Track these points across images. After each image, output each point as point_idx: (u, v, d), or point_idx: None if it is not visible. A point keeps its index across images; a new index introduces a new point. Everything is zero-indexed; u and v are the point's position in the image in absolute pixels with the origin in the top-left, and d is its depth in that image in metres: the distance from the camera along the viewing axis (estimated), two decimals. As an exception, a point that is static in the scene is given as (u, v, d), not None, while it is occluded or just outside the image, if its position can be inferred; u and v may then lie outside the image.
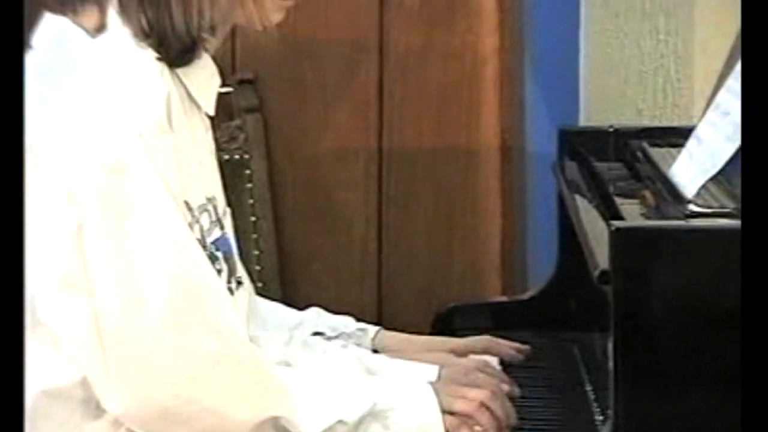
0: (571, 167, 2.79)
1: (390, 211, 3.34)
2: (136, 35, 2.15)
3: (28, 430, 2.12)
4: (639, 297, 2.02)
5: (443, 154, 3.33)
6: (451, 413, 2.20)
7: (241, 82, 3.29)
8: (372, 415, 2.14)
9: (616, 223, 2.05)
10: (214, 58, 2.27)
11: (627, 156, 2.72)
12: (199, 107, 2.24)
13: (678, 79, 3.24)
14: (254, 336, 2.38)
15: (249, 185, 3.29)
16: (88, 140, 2.06)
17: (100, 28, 2.18)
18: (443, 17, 3.35)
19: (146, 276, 2.04)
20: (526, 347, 2.59)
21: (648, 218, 2.26)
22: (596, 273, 2.07)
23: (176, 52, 2.17)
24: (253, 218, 3.29)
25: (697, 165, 2.28)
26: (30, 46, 2.24)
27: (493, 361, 2.52)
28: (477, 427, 2.19)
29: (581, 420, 2.28)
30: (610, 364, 2.03)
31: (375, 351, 2.55)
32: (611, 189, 2.46)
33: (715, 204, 2.16)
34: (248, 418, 2.08)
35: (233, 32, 2.28)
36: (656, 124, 3.02)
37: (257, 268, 3.23)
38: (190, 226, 2.12)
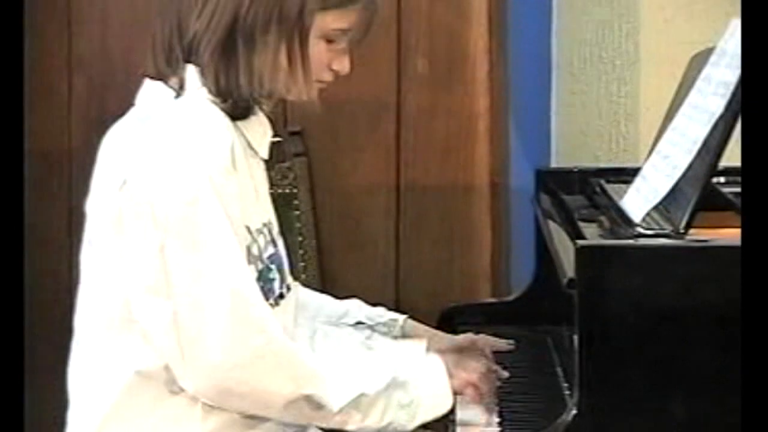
0: (545, 199, 2.79)
1: (405, 233, 3.33)
2: (210, 96, 2.16)
3: (126, 403, 2.14)
4: (598, 299, 2.03)
5: (446, 189, 3.32)
6: (459, 379, 2.18)
7: (291, 133, 3.28)
8: (394, 385, 2.11)
9: (580, 242, 2.06)
10: (269, 116, 2.26)
11: (588, 190, 2.72)
12: (256, 153, 2.24)
13: (627, 132, 3.24)
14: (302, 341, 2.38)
15: (297, 213, 3.29)
16: (170, 179, 2.07)
17: (183, 90, 2.19)
18: (446, 83, 3.34)
19: (210, 286, 2.05)
20: (511, 342, 2.58)
21: (604, 238, 2.25)
22: (565, 281, 2.09)
23: (239, 111, 2.18)
24: (300, 238, 3.29)
25: (642, 197, 2.28)
26: (132, 103, 2.26)
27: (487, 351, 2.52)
28: (478, 392, 2.18)
29: (553, 394, 2.29)
30: (576, 351, 2.04)
31: (403, 336, 2.55)
32: (576, 216, 2.46)
33: (656, 227, 2.17)
34: (283, 395, 2.08)
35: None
36: (610, 165, 3.01)
37: (303, 276, 3.21)
38: (250, 245, 2.13)
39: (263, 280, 2.16)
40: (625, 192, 2.38)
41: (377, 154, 3.36)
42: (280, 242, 2.26)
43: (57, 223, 3.42)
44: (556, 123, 3.41)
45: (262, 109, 2.22)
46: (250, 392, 2.08)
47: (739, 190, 2.44)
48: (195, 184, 2.06)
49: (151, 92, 2.24)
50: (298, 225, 3.28)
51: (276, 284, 2.19)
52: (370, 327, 2.53)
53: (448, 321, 2.79)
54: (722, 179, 2.33)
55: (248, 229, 2.14)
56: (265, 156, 2.26)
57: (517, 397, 2.33)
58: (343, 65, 2.21)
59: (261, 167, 2.27)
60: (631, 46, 3.27)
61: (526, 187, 3.02)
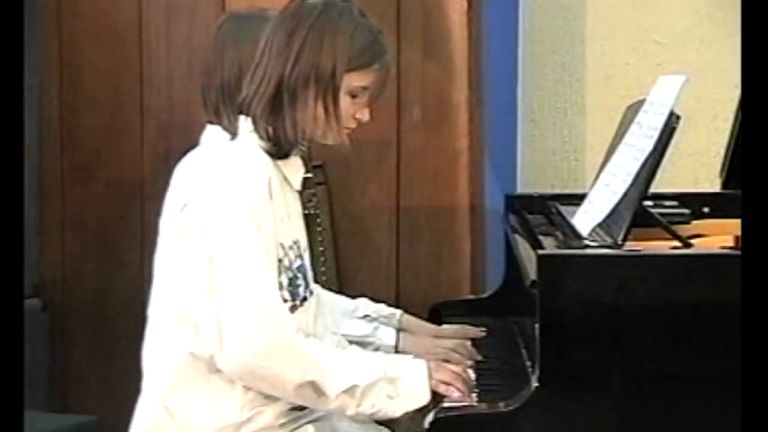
0: (513, 218, 2.79)
1: (404, 245, 3.34)
2: (258, 140, 2.16)
3: (182, 377, 2.15)
4: (554, 297, 2.03)
5: (436, 211, 3.32)
6: (437, 381, 2.15)
7: (315, 166, 3.28)
8: (384, 380, 2.10)
9: (540, 252, 2.07)
10: (303, 156, 2.26)
11: (546, 211, 2.71)
12: (291, 186, 2.24)
13: (576, 165, 3.24)
14: (314, 333, 2.36)
15: (319, 229, 3.28)
16: (219, 204, 2.08)
17: (236, 134, 2.20)
18: (436, 127, 3.34)
19: (243, 291, 2.05)
20: (483, 329, 2.57)
21: (559, 248, 2.25)
22: (528, 282, 2.09)
23: (282, 152, 2.18)
24: (321, 248, 3.28)
25: (588, 216, 2.28)
26: (194, 142, 2.26)
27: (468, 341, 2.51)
28: (451, 388, 2.14)
29: (519, 370, 2.28)
30: (536, 337, 2.04)
31: (400, 329, 2.54)
32: (536, 231, 2.46)
33: (600, 240, 2.17)
34: (294, 379, 2.07)
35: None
36: (563, 192, 3.01)
37: (324, 279, 3.20)
38: (282, 258, 2.13)
39: (292, 285, 2.16)
40: (575, 212, 2.37)
41: (382, 182, 3.36)
42: (306, 256, 2.26)
43: (132, 237, 3.42)
44: (521, 158, 3.40)
45: (300, 150, 2.23)
46: (268, 376, 2.07)
47: (663, 210, 2.44)
48: (237, 209, 2.06)
49: (212, 134, 2.26)
50: (320, 239, 3.28)
51: (301, 289, 2.19)
52: (375, 319, 2.53)
53: (436, 313, 2.79)
54: (651, 203, 2.32)
55: (281, 245, 2.14)
56: (299, 188, 2.26)
57: (490, 373, 2.32)
58: (364, 115, 2.21)
59: (295, 196, 2.26)
60: (579, 98, 3.27)
61: (498, 209, 3.02)
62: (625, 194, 2.16)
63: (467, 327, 2.58)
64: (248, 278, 2.05)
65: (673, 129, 2.12)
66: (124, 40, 3.49)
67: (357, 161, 3.32)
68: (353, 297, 2.59)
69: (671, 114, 2.13)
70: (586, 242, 2.15)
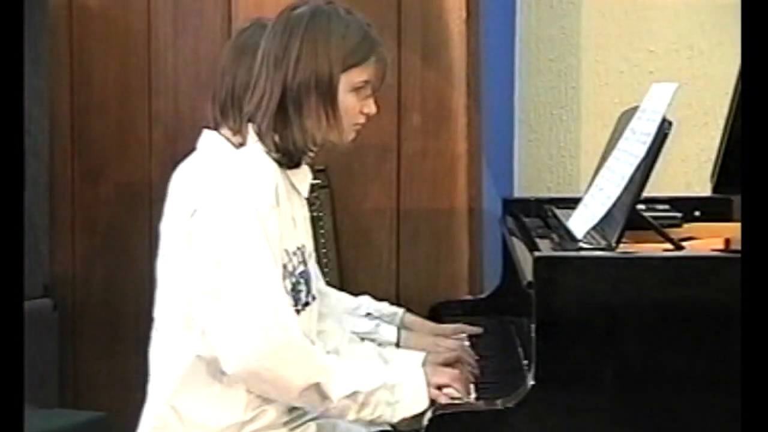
0: (510, 221, 2.79)
1: (404, 247, 3.33)
2: (266, 149, 2.15)
3: (189, 378, 2.14)
4: (550, 297, 2.03)
5: (435, 213, 3.31)
6: (434, 386, 2.14)
7: (318, 170, 3.27)
8: (384, 387, 2.09)
9: (537, 253, 2.07)
10: (309, 164, 2.26)
11: (542, 214, 2.72)
12: (299, 192, 2.23)
13: (571, 170, 3.25)
14: (324, 330, 2.36)
15: (322, 231, 3.27)
16: (227, 211, 2.07)
17: (244, 143, 2.19)
18: (435, 132, 3.33)
19: (249, 294, 2.04)
20: (479, 329, 2.57)
21: (555, 250, 2.25)
22: (525, 283, 2.08)
23: (292, 160, 2.17)
24: (324, 250, 3.27)
25: (583, 220, 2.28)
26: (195, 148, 2.26)
27: (465, 340, 2.50)
28: (450, 391, 2.14)
29: (516, 368, 2.28)
30: (533, 335, 2.03)
31: (402, 327, 2.53)
32: (533, 233, 2.46)
33: (594, 242, 2.17)
34: (300, 382, 2.05)
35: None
36: (559, 195, 3.01)
37: (327, 279, 3.16)
38: (286, 263, 2.12)
39: (295, 291, 2.15)
40: (570, 216, 2.37)
41: (383, 186, 3.35)
42: (311, 262, 2.25)
43: (141, 238, 3.42)
44: (518, 163, 3.41)
45: (309, 157, 2.22)
46: (273, 378, 2.05)
47: (656, 214, 2.45)
48: (245, 215, 2.06)
49: (208, 140, 2.25)
50: (323, 240, 3.27)
51: (303, 294, 2.18)
52: (378, 317, 2.53)
53: (436, 312, 2.80)
54: (644, 206, 2.32)
55: (286, 251, 2.13)
56: (306, 195, 2.26)
57: (488, 371, 2.32)
58: (371, 108, 2.21)
59: (303, 203, 2.26)
60: (575, 105, 3.28)
61: (495, 212, 3.03)
62: (619, 198, 2.16)
63: (466, 326, 2.58)
64: (254, 282, 2.04)
65: (666, 135, 2.12)
66: (134, 48, 3.49)
67: (358, 165, 3.31)
68: (356, 295, 2.59)
69: (664, 120, 2.13)
70: (581, 244, 2.16)
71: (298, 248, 2.18)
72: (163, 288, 2.20)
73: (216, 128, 2.26)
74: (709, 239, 2.40)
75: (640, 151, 2.14)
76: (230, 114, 2.26)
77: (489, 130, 3.38)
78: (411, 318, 2.56)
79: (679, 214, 2.56)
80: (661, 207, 2.54)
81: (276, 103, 2.13)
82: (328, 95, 2.13)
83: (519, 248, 2.43)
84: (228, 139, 2.27)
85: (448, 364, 2.25)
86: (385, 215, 3.34)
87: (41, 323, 3.43)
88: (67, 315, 3.55)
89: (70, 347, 3.56)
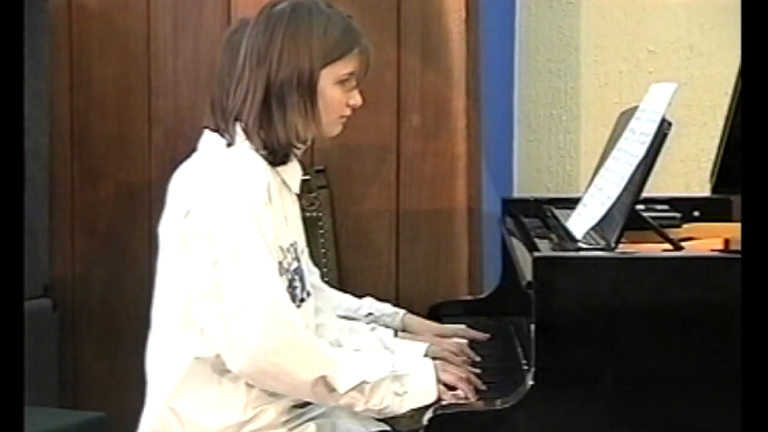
0: (509, 221, 2.79)
1: (403, 247, 3.32)
2: (254, 147, 2.16)
3: (187, 381, 2.14)
4: (549, 297, 2.03)
5: (434, 213, 3.31)
6: (442, 382, 2.14)
7: (317, 171, 3.27)
8: (392, 377, 2.08)
9: (536, 254, 2.07)
10: (300, 160, 2.26)
11: (541, 214, 2.72)
12: (289, 188, 2.23)
13: (571, 170, 3.25)
14: (322, 323, 2.37)
15: (321, 231, 3.27)
16: (221, 210, 2.07)
17: (232, 143, 2.19)
18: (434, 132, 3.33)
19: (250, 293, 2.03)
20: (486, 335, 2.57)
21: (554, 251, 2.25)
22: (524, 282, 2.08)
23: (278, 157, 2.17)
24: (323, 250, 3.27)
25: (582, 220, 2.28)
26: (195, 149, 2.25)
27: (465, 340, 2.50)
28: (458, 392, 2.13)
29: (515, 368, 2.28)
30: (532, 336, 2.03)
31: (402, 329, 2.53)
32: (532, 234, 2.46)
33: (593, 242, 2.17)
34: (307, 375, 2.05)
35: (312, 142, 2.27)
36: (558, 196, 3.01)
37: (326, 279, 3.16)
38: (281, 260, 2.12)
39: (291, 287, 2.15)
40: (569, 216, 2.37)
41: (382, 186, 3.35)
42: (303, 258, 2.25)
43: (140, 240, 3.41)
44: (517, 163, 3.41)
45: (296, 155, 2.23)
46: (280, 373, 2.05)
47: (655, 214, 2.44)
48: (239, 213, 2.05)
49: (209, 141, 2.25)
50: (322, 241, 3.26)
51: (298, 291, 2.18)
52: (378, 318, 2.52)
53: (435, 312, 2.79)
54: (643, 206, 2.32)
55: (281, 247, 2.13)
56: (297, 191, 2.26)
57: (487, 371, 2.31)
58: (356, 100, 2.21)
59: (294, 200, 2.26)
60: (574, 105, 3.28)
61: (495, 212, 3.03)
62: (618, 198, 2.16)
63: (469, 330, 2.57)
64: (254, 279, 2.04)
65: (665, 135, 2.12)
66: (133, 49, 3.49)
67: (358, 166, 3.31)
68: (356, 296, 2.58)
69: (663, 120, 2.13)
70: (580, 245, 2.15)
71: (291, 245, 2.18)
72: (160, 290, 2.20)
73: (216, 129, 2.26)
74: (709, 239, 2.40)
75: (640, 151, 2.13)
76: (222, 113, 2.26)
77: (488, 130, 3.38)
78: (412, 318, 2.56)
79: (678, 215, 2.55)
80: (660, 207, 2.54)
81: (260, 100, 2.14)
82: (308, 90, 2.14)
83: (518, 248, 2.43)
84: (227, 143, 2.27)
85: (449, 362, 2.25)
86: (385, 215, 3.33)
87: (41, 323, 3.42)
88: (67, 315, 3.55)
89: (69, 347, 3.56)
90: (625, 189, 2.14)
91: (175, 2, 3.46)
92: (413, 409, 2.12)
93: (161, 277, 2.19)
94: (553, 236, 2.39)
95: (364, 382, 2.07)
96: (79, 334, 3.57)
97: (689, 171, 3.18)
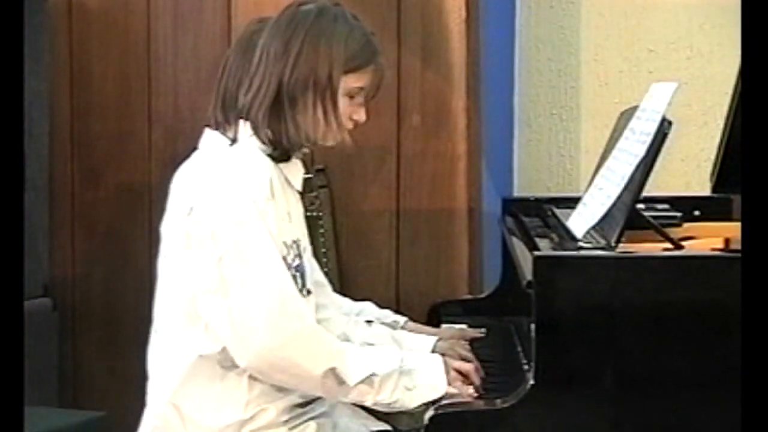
0: (509, 220, 2.79)
1: (403, 247, 3.32)
2: (260, 144, 2.16)
3: (190, 378, 2.14)
4: (549, 297, 2.02)
5: (435, 213, 3.31)
6: (455, 369, 2.15)
7: (317, 170, 3.27)
8: (402, 371, 2.09)
9: (536, 253, 2.07)
10: (303, 159, 2.27)
11: (541, 214, 2.72)
12: (292, 186, 2.24)
13: (571, 169, 3.25)
14: (327, 318, 2.37)
15: (321, 231, 3.27)
16: (225, 206, 2.07)
17: (235, 139, 2.19)
18: (434, 132, 3.33)
19: (257, 287, 2.04)
20: (482, 330, 2.57)
21: (555, 250, 2.25)
22: (524, 282, 2.08)
23: (283, 155, 2.18)
24: (324, 249, 3.27)
25: (583, 219, 2.28)
26: (196, 148, 2.26)
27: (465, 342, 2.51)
28: (469, 388, 2.14)
29: (516, 368, 2.27)
30: (532, 336, 2.03)
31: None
32: (532, 233, 2.46)
33: (594, 242, 2.17)
34: (316, 367, 2.05)
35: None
36: (558, 195, 3.01)
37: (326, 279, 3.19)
38: (285, 256, 2.12)
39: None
40: (569, 215, 2.37)
41: (382, 186, 3.35)
42: (306, 256, 2.25)
43: (140, 239, 3.42)
44: (518, 163, 3.41)
45: (301, 153, 2.23)
46: (289, 366, 2.05)
47: (655, 213, 2.45)
48: (243, 209, 2.06)
49: (210, 139, 2.25)
50: (322, 240, 3.27)
51: (299, 287, 2.16)
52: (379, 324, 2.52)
53: (435, 313, 2.80)
54: (643, 206, 2.32)
55: (284, 243, 2.13)
56: (300, 188, 2.26)
57: (488, 371, 2.31)
58: (361, 115, 2.22)
59: (297, 197, 2.27)
60: (574, 105, 3.28)
61: (495, 212, 3.03)
62: (619, 197, 2.16)
63: (466, 329, 2.58)
64: (260, 273, 2.04)
65: (665, 134, 2.12)
66: (133, 48, 3.49)
67: (358, 165, 3.31)
68: (355, 297, 2.58)
69: (663, 120, 2.13)
70: (581, 244, 2.16)
71: (294, 242, 2.18)
72: (163, 288, 2.20)
73: (217, 127, 2.26)
74: (709, 239, 2.40)
75: (640, 150, 2.14)
76: (227, 110, 2.26)
77: (489, 130, 3.38)
78: (412, 326, 2.56)
79: (678, 214, 2.55)
80: (660, 206, 2.54)
81: (272, 96, 2.14)
82: (328, 95, 2.14)
83: (519, 248, 2.43)
84: (227, 137, 2.27)
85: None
86: (385, 215, 3.34)
87: (41, 323, 3.42)
88: (67, 315, 3.55)
89: (69, 347, 3.56)
90: (625, 188, 2.15)
91: (175, 2, 3.47)
92: (424, 403, 2.12)
93: (164, 276, 2.19)
94: (554, 236, 2.39)
95: (373, 374, 2.07)
96: (79, 334, 3.57)
97: (689, 170, 3.19)
